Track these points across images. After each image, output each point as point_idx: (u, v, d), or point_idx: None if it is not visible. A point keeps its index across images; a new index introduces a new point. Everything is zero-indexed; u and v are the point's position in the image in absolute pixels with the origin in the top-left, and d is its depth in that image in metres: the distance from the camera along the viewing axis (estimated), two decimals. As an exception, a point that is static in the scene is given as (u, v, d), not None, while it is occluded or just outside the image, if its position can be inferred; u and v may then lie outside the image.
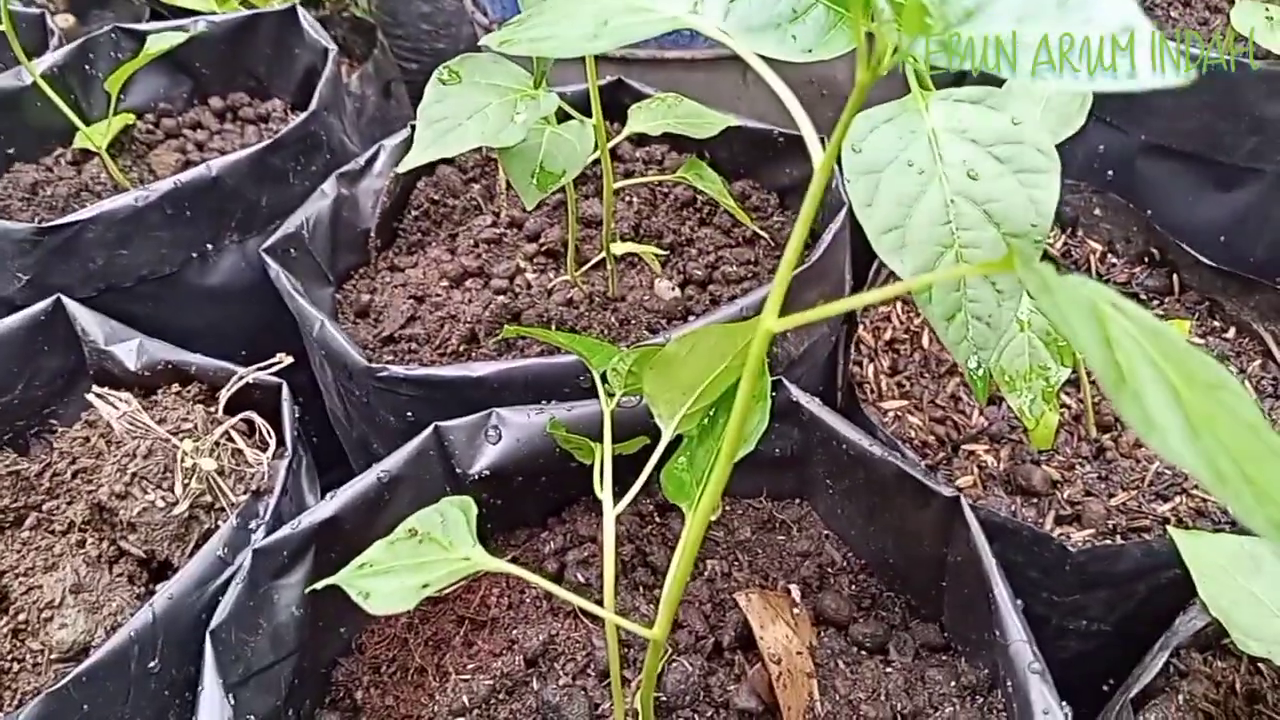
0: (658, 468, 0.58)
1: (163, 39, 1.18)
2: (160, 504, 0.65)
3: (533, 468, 0.74)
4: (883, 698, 0.66)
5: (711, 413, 0.60)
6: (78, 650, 0.61)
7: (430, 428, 0.72)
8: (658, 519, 0.78)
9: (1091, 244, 1.04)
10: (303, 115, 1.06)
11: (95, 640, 0.62)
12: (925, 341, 1.01)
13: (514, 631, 0.71)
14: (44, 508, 0.74)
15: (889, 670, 0.68)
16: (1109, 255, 1.03)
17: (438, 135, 0.66)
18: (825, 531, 0.77)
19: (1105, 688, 0.82)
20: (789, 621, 0.68)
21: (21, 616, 0.62)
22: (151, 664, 0.60)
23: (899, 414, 0.94)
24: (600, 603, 0.51)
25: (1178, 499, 0.84)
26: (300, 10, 1.25)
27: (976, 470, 0.89)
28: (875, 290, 0.39)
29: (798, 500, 0.79)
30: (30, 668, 0.61)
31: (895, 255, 0.53)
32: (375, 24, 1.68)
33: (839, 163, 0.49)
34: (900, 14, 0.37)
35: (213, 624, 0.59)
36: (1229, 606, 0.64)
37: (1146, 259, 1.02)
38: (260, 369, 0.75)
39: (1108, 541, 0.78)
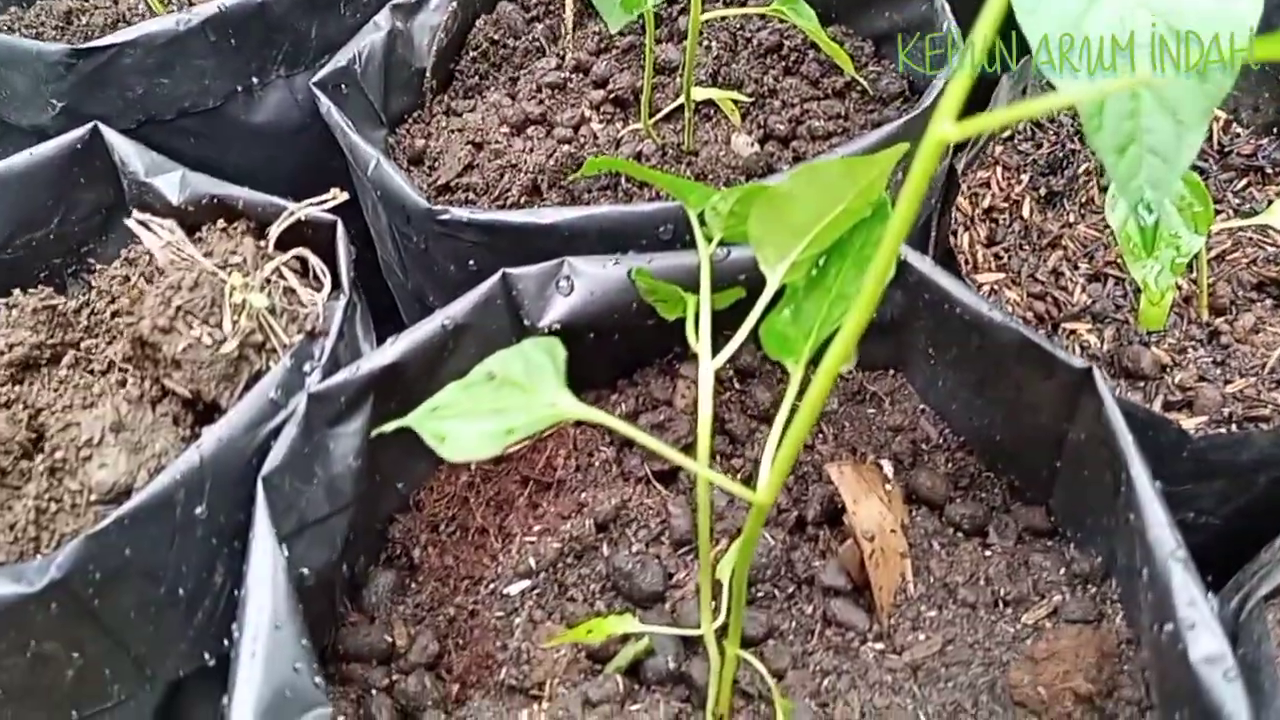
0: (759, 321, 0.52)
1: None
2: (207, 341, 0.60)
3: (607, 323, 0.68)
4: (982, 582, 0.61)
5: (821, 262, 0.53)
6: (118, 492, 0.57)
7: (498, 274, 0.66)
8: (737, 385, 0.72)
9: (1216, 110, 0.94)
10: (355, -63, 0.97)
11: (137, 483, 0.57)
12: (1026, 211, 0.93)
13: (583, 495, 0.66)
14: (81, 345, 0.69)
15: (988, 554, 0.63)
16: (1233, 124, 0.94)
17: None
18: (921, 406, 0.70)
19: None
20: (882, 497, 0.62)
21: (59, 455, 0.58)
22: (198, 509, 0.55)
23: (995, 287, 0.87)
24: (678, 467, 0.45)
25: (1302, 388, 0.77)
26: None
27: (1079, 350, 0.83)
28: (1041, 99, 0.31)
29: (892, 371, 0.72)
30: (69, 509, 0.57)
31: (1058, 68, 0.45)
32: None
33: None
34: None
35: (265, 470, 0.54)
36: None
37: (1276, 129, 0.92)
38: (314, 204, 0.68)
39: (1229, 429, 0.72)
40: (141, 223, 0.69)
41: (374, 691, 0.58)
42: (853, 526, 0.60)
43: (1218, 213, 0.91)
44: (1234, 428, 0.75)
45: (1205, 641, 0.45)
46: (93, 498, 0.56)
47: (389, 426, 0.44)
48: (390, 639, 0.61)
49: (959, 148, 0.93)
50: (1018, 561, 0.62)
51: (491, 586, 0.63)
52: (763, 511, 0.44)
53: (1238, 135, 0.93)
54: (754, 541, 0.47)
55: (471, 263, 0.75)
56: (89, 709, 0.58)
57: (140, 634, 0.56)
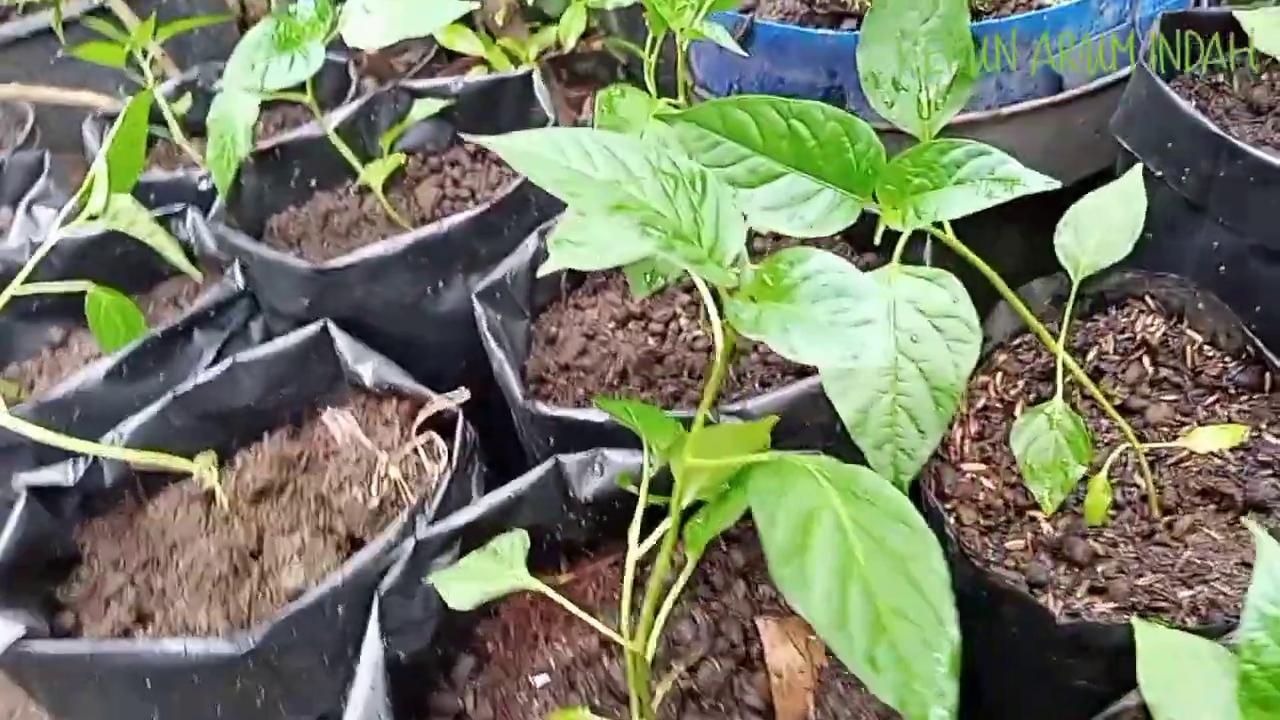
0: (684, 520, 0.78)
1: (427, 105, 1.49)
2: (360, 499, 0.93)
3: (629, 498, 0.96)
4: (866, 715, 0.84)
5: (727, 485, 0.80)
6: (295, 594, 0.91)
7: (552, 460, 0.96)
8: (723, 546, 0.98)
9: (1192, 334, 1.11)
10: (516, 181, 1.32)
11: (308, 588, 0.91)
12: (1018, 411, 1.13)
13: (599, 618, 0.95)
14: (298, 482, 1.06)
15: (876, 696, 0.85)
16: (1207, 347, 1.10)
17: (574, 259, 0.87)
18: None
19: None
20: (799, 645, 0.87)
21: (268, 564, 0.93)
22: (341, 610, 0.88)
23: (975, 476, 1.08)
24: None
25: (1199, 588, 0.93)
26: (536, 79, 1.52)
27: (1031, 535, 1.02)
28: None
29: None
30: (268, 600, 0.91)
31: (841, 394, 0.70)
32: (618, 60, 1.92)
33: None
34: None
35: (381, 588, 0.87)
36: (1161, 693, 0.75)
37: (1244, 354, 1.08)
38: (446, 398, 1.01)
39: (1095, 619, 0.90)
40: (332, 417, 1.05)
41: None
42: (768, 665, 0.85)
43: (1185, 424, 1.07)
44: (1135, 615, 0.93)
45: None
46: (283, 596, 0.90)
47: (429, 580, 0.75)
48: (462, 703, 0.91)
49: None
50: (893, 704, 0.84)
51: (528, 676, 0.92)
52: (636, 657, 0.71)
53: (1210, 356, 1.09)
54: (641, 682, 0.73)
55: (550, 439, 1.06)
56: (274, 727, 0.92)
57: (303, 684, 0.89)
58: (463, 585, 0.72)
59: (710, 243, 0.56)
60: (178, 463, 1.11)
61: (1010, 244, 1.24)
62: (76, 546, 1.11)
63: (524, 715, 0.89)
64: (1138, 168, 0.96)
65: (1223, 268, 1.11)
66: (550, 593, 0.71)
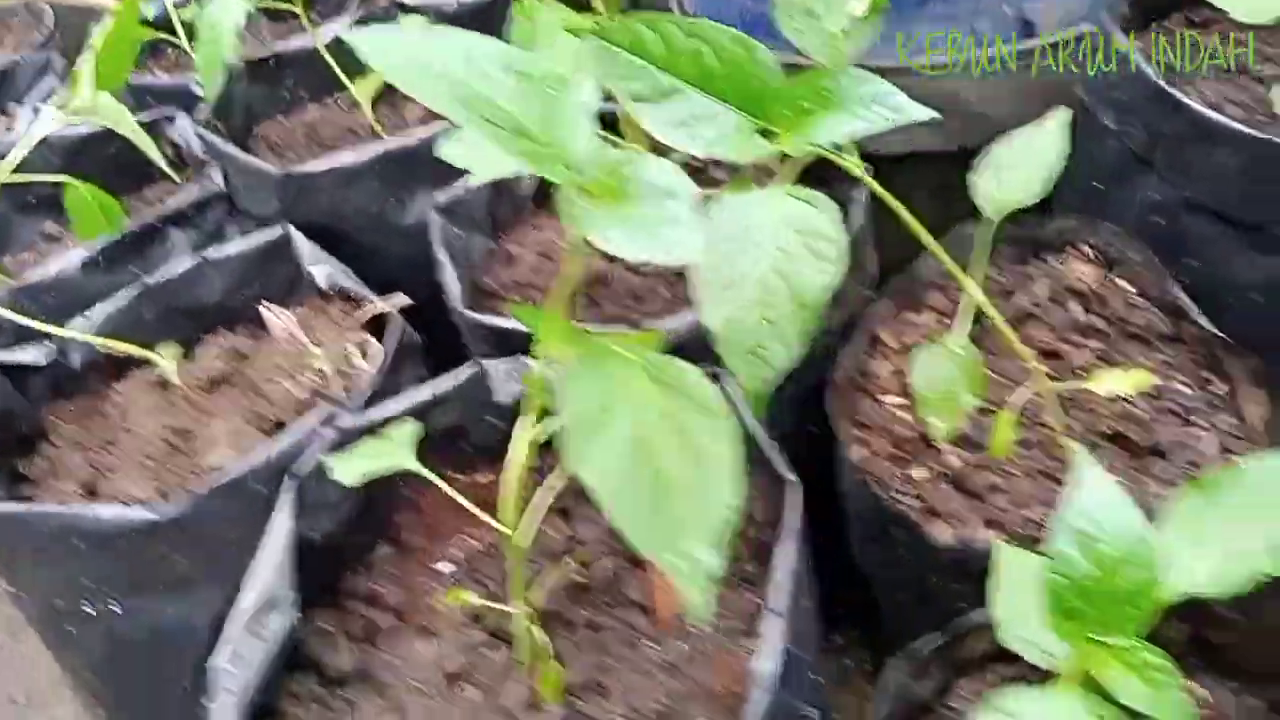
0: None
1: (412, 20, 1.52)
2: (290, 389, 0.99)
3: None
4: (740, 619, 0.88)
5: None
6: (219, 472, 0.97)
7: (474, 363, 1.00)
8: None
9: (1123, 284, 1.13)
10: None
11: (229, 468, 0.97)
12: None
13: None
14: (244, 374, 1.11)
15: (749, 595, 0.90)
16: (1136, 297, 1.12)
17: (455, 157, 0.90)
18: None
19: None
20: (687, 550, 0.91)
21: (198, 443, 0.99)
22: (262, 490, 0.94)
23: (894, 409, 1.11)
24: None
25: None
26: None
27: (937, 466, 1.05)
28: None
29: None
30: (192, 476, 0.97)
31: (710, 305, 0.73)
32: None
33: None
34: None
35: (294, 469, 0.92)
36: (1005, 608, 0.79)
37: (1169, 307, 1.10)
38: (384, 301, 1.06)
39: (975, 545, 0.94)
40: (267, 308, 1.10)
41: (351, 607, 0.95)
42: (650, 563, 0.90)
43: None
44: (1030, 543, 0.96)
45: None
46: (207, 472, 0.96)
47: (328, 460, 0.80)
48: (372, 586, 0.97)
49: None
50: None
51: (437, 562, 0.98)
52: (516, 547, 0.76)
53: (1136, 307, 1.11)
54: (516, 574, 0.78)
55: (487, 349, 1.10)
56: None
57: (222, 556, 0.96)
58: (351, 463, 0.77)
59: (554, 142, 0.59)
60: (141, 351, 1.17)
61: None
62: (43, 425, 1.18)
63: (428, 598, 0.95)
64: (1065, 110, 0.97)
65: (1161, 221, 1.13)
66: (432, 477, 0.76)
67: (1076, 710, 0.62)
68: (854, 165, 0.80)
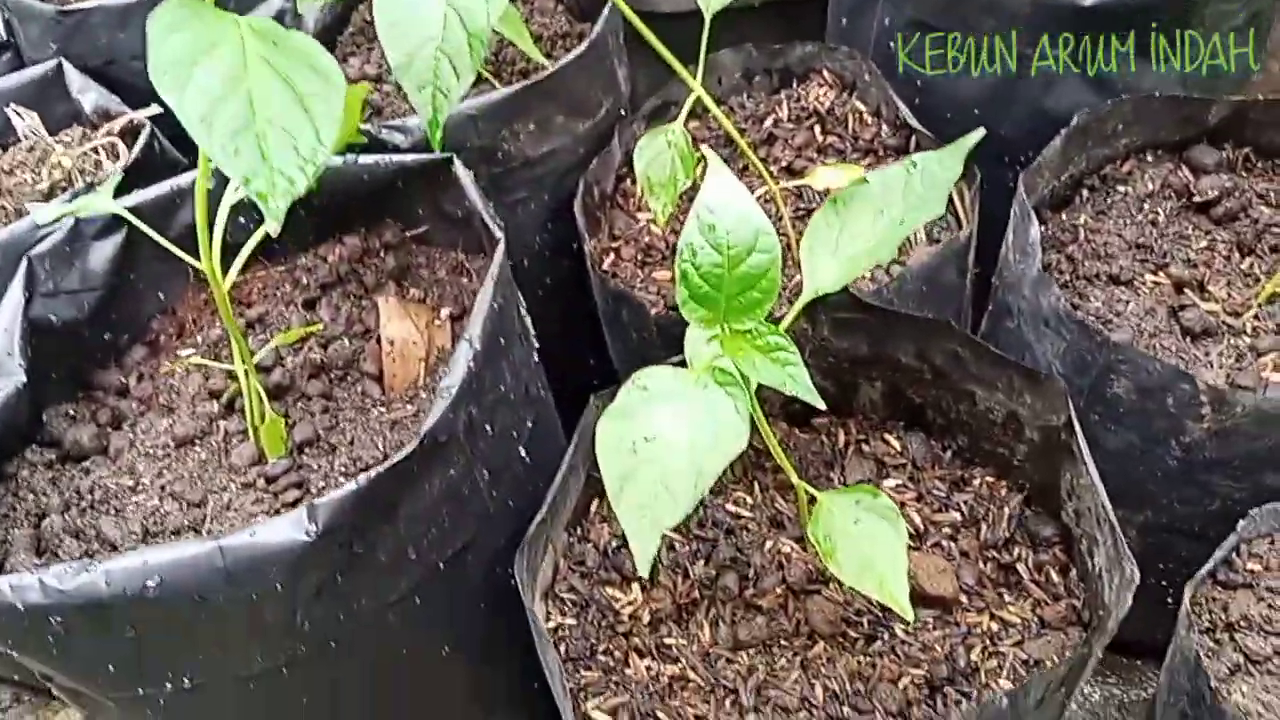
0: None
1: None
2: (32, 180, 1.00)
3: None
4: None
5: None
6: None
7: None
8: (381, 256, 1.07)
9: (857, 104, 1.20)
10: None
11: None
12: (699, 171, 1.22)
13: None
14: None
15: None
16: (869, 116, 1.20)
17: None
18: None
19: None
20: (418, 324, 0.96)
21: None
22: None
23: (646, 223, 1.17)
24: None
25: (802, 304, 1.04)
26: None
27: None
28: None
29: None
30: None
31: (391, 41, 0.77)
32: None
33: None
34: None
35: (31, 252, 0.94)
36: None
37: (896, 122, 1.18)
38: (136, 112, 1.08)
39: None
40: (15, 110, 1.11)
41: (99, 399, 0.97)
42: (382, 335, 0.94)
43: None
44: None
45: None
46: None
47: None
48: (124, 380, 0.99)
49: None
50: (490, 372, 0.94)
51: (185, 352, 1.01)
52: (220, 287, 0.79)
53: (868, 123, 1.19)
54: (242, 344, 0.82)
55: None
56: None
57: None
58: (48, 209, 0.80)
59: None
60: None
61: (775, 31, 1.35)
62: None
63: (171, 381, 0.98)
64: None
65: (890, 44, 1.20)
66: (136, 221, 0.79)
67: (702, 380, 0.68)
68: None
